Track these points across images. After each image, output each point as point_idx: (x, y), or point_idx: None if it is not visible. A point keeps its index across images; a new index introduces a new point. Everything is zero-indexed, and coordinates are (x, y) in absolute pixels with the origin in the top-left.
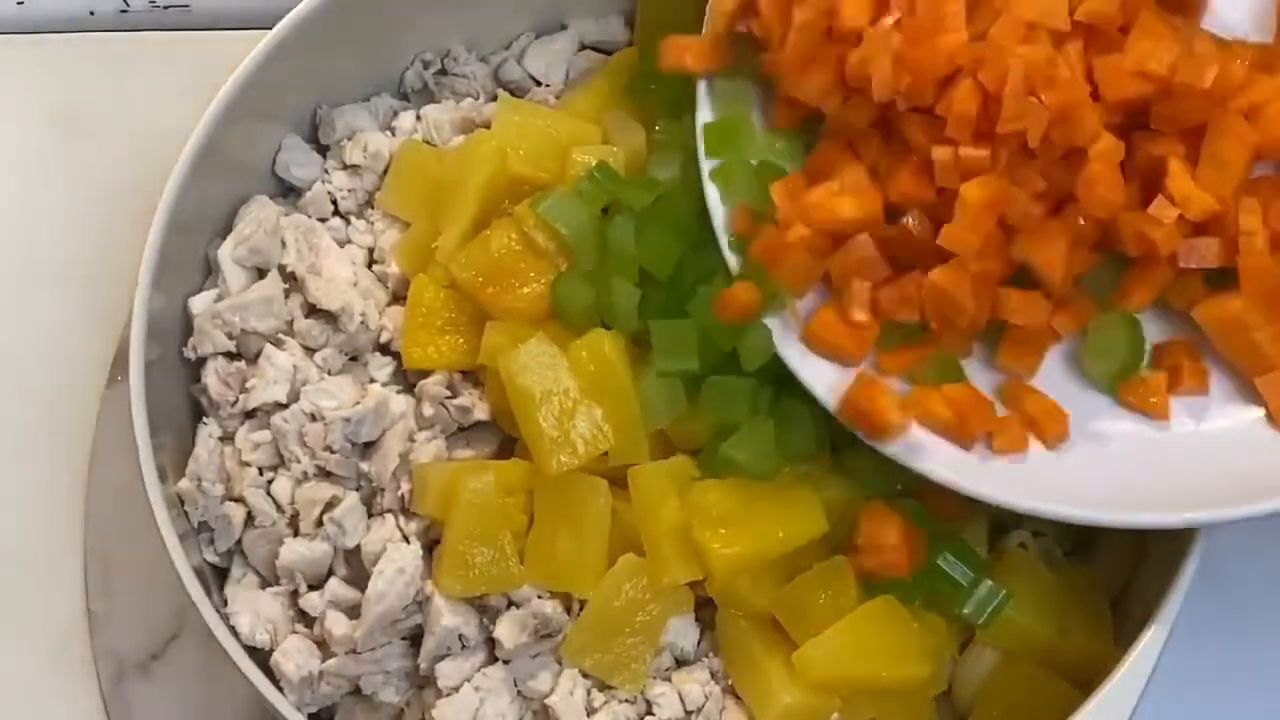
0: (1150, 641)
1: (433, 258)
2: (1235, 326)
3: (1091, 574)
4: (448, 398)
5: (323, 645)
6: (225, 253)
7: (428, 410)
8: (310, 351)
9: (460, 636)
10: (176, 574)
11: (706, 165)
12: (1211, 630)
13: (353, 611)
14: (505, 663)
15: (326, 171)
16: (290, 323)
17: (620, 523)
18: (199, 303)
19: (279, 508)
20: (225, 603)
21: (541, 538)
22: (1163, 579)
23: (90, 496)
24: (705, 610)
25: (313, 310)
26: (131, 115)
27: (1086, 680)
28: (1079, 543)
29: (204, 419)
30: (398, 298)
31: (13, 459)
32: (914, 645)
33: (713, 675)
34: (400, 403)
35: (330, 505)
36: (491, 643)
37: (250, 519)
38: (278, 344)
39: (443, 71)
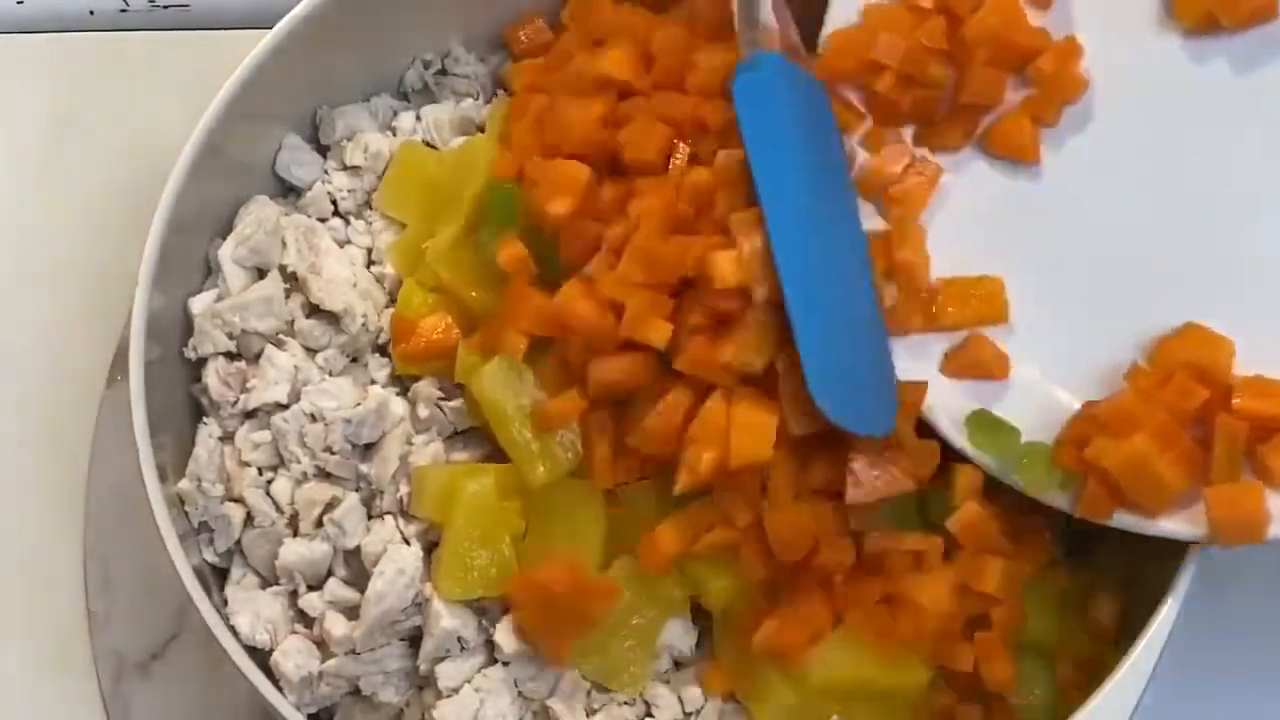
0: (1150, 641)
1: (423, 260)
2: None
3: (1091, 574)
4: (441, 399)
5: (322, 645)
6: (225, 253)
7: (422, 412)
8: (311, 353)
9: (459, 639)
10: (176, 574)
11: None
12: (1212, 630)
13: (352, 612)
14: (505, 664)
15: (326, 172)
16: (291, 323)
17: (615, 524)
18: (199, 303)
19: (278, 508)
20: (225, 603)
21: (537, 542)
22: (1163, 579)
23: (90, 496)
24: (704, 612)
25: (314, 311)
26: (131, 115)
27: (1086, 680)
28: (1079, 543)
29: (204, 419)
30: (394, 299)
31: (13, 459)
32: (915, 649)
33: None
34: (400, 405)
35: (330, 506)
36: (491, 644)
37: (250, 519)
38: (278, 344)
39: (443, 71)
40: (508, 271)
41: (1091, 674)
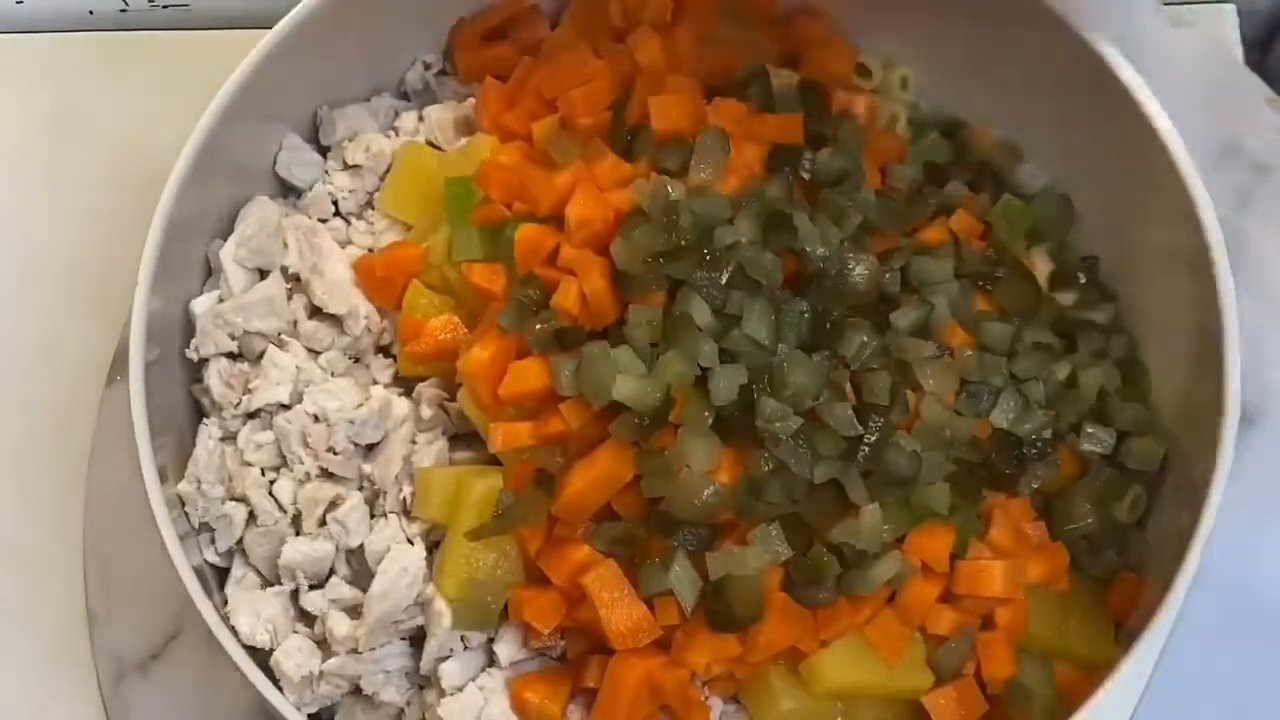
0: (1149, 643)
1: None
2: None
3: (1093, 575)
4: (445, 400)
5: (323, 645)
6: (227, 253)
7: (426, 413)
8: (314, 354)
9: (462, 638)
10: (176, 574)
11: None
12: (1212, 630)
13: (354, 611)
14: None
15: (327, 172)
16: (294, 324)
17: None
18: (201, 304)
19: (281, 507)
20: (225, 602)
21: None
22: (1163, 578)
23: (90, 496)
24: None
25: (316, 312)
26: (131, 115)
27: (1087, 680)
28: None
29: (204, 419)
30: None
31: (13, 459)
32: (918, 655)
33: None
34: (403, 405)
35: (333, 505)
36: (492, 640)
37: (252, 518)
38: (281, 345)
39: (444, 72)
40: (483, 289)
41: (1091, 674)
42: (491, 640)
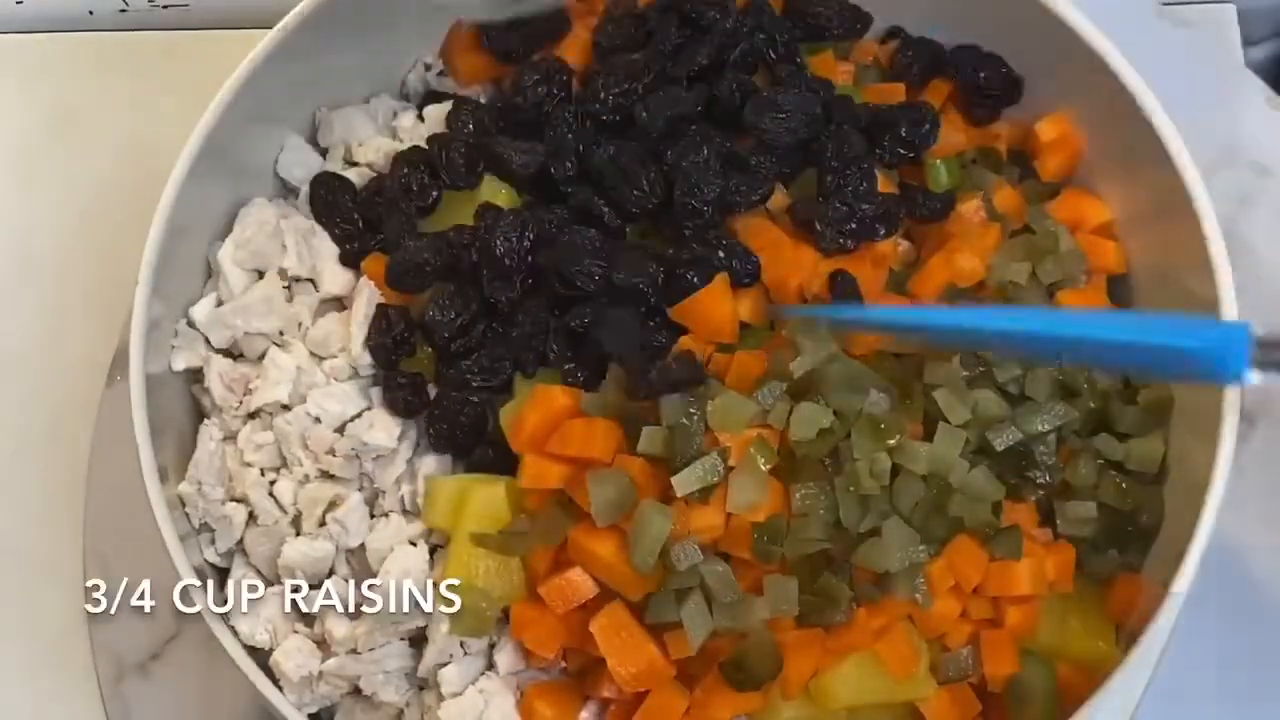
0: (1150, 642)
1: None
2: None
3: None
4: None
5: (322, 645)
6: (225, 255)
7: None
8: (318, 359)
9: (461, 644)
10: (176, 574)
11: None
12: (1212, 630)
13: (354, 611)
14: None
15: None
16: (299, 325)
17: None
18: (201, 309)
19: (281, 507)
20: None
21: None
22: (1163, 578)
23: (90, 496)
24: None
25: (320, 316)
26: (131, 115)
27: (1088, 680)
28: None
29: (205, 420)
30: None
31: (13, 459)
32: (923, 666)
33: None
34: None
35: (333, 505)
36: (493, 646)
37: (252, 518)
38: (282, 345)
39: (444, 73)
40: None
41: (1091, 674)
42: (493, 646)
